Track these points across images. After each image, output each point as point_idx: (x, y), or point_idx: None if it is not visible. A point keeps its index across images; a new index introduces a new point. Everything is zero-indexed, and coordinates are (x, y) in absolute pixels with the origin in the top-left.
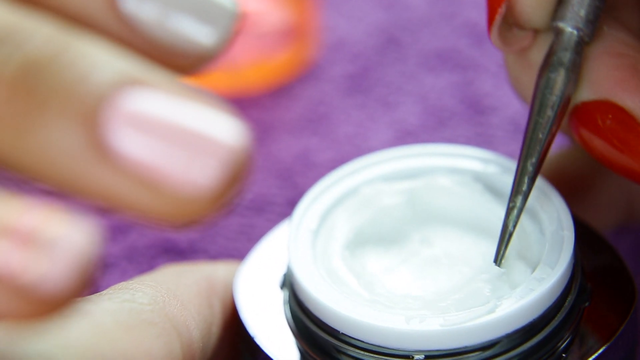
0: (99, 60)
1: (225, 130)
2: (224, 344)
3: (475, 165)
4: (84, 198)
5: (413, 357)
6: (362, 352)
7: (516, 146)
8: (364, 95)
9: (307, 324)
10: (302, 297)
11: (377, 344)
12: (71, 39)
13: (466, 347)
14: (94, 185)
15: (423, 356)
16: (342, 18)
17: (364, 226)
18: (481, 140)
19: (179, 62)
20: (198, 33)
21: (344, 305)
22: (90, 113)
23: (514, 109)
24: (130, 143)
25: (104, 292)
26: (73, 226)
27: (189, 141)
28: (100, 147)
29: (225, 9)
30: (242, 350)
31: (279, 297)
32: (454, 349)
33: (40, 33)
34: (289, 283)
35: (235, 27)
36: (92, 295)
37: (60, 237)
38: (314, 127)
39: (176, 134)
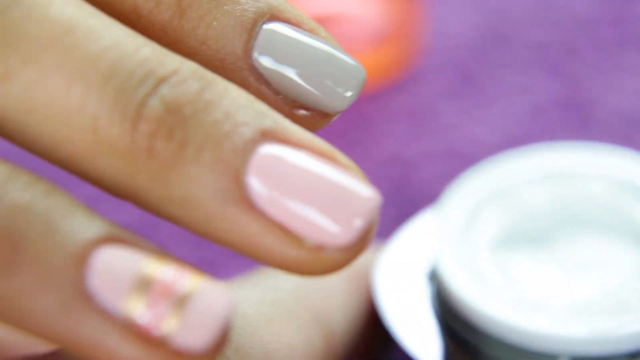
0: (239, 103)
1: (360, 183)
2: (365, 335)
3: (627, 169)
4: (219, 242)
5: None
6: (506, 352)
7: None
8: (468, 95)
9: (450, 320)
10: (447, 293)
11: (522, 344)
12: (212, 77)
13: (613, 354)
14: (232, 231)
15: (569, 359)
16: (444, 15)
17: (512, 226)
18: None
19: (306, 119)
20: (330, 94)
21: (490, 304)
22: (235, 162)
23: (624, 108)
24: (272, 194)
25: (250, 277)
26: (210, 283)
27: (332, 194)
28: (242, 196)
29: (355, 73)
30: (378, 343)
31: (421, 290)
32: (601, 356)
33: (182, 70)
34: (434, 277)
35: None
36: (238, 280)
37: (200, 294)
38: (417, 128)
39: (319, 186)
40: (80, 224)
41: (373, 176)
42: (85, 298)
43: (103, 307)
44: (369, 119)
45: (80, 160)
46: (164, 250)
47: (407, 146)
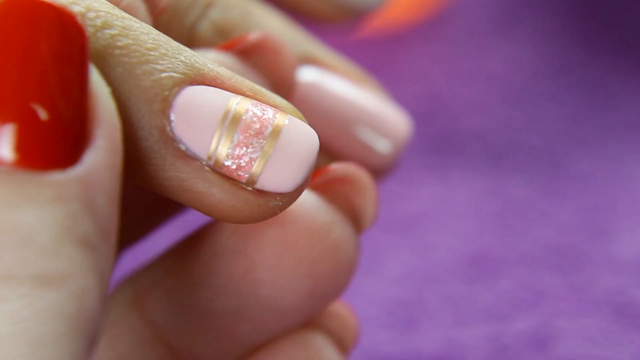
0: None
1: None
2: None
3: None
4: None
5: None
6: None
7: None
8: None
9: None
10: None
11: None
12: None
13: None
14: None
15: None
16: None
17: None
18: None
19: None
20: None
21: None
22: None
23: None
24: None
25: None
26: (297, 122)
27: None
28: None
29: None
30: None
31: None
32: None
33: None
34: None
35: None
36: None
37: (287, 132)
38: (454, 66)
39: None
40: (163, 64)
41: (406, 106)
42: (170, 143)
43: (189, 151)
44: (404, 54)
45: None
46: (252, 88)
47: (443, 83)
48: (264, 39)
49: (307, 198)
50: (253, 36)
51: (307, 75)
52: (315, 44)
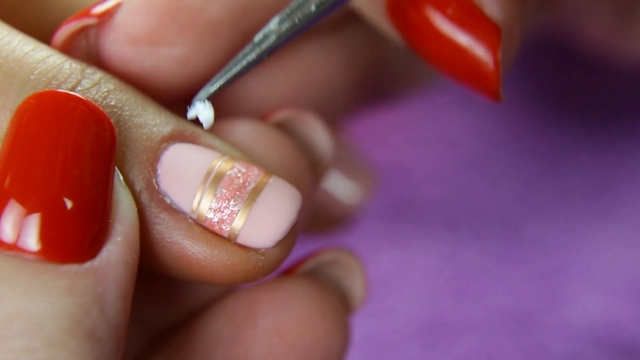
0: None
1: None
2: None
3: None
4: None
5: None
6: None
7: None
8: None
9: None
10: None
11: None
12: None
13: None
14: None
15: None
16: None
17: None
18: None
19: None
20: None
21: None
22: None
23: None
24: None
25: None
26: (279, 181)
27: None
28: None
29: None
30: None
31: None
32: None
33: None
34: None
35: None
36: None
37: (268, 190)
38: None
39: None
40: (152, 119)
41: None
42: (156, 195)
43: (173, 204)
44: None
45: None
46: (233, 148)
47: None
48: (298, 115)
49: (300, 285)
50: (287, 112)
51: (275, 120)
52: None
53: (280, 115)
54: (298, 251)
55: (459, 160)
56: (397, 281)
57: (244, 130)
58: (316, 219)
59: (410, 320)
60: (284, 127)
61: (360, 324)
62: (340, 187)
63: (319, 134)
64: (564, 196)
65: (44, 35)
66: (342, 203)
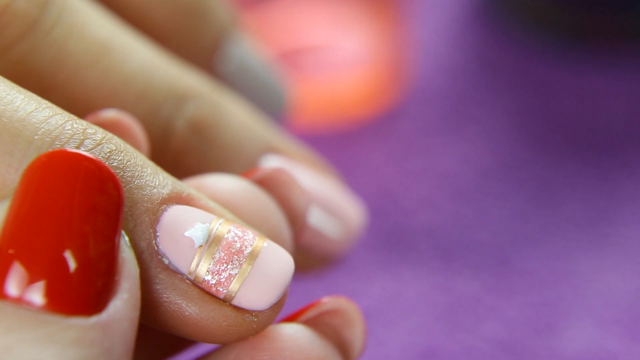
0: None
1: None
2: None
3: None
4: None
5: None
6: None
7: None
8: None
9: None
10: None
11: None
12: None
13: None
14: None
15: None
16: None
17: None
18: None
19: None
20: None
21: None
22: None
23: None
24: None
25: None
26: (273, 246)
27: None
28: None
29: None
30: None
31: None
32: None
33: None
34: None
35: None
36: None
37: (264, 255)
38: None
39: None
40: (151, 181)
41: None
42: (155, 255)
43: (171, 265)
44: (354, 150)
45: None
46: (225, 209)
47: (391, 175)
48: (276, 173)
49: (301, 333)
50: (266, 169)
51: (269, 163)
52: (277, 134)
53: (260, 173)
54: (291, 292)
55: (452, 191)
56: (390, 311)
57: (228, 188)
58: (305, 259)
59: (404, 350)
60: (263, 185)
61: None
62: (329, 226)
63: (296, 193)
64: (556, 227)
65: (37, 74)
66: (331, 242)
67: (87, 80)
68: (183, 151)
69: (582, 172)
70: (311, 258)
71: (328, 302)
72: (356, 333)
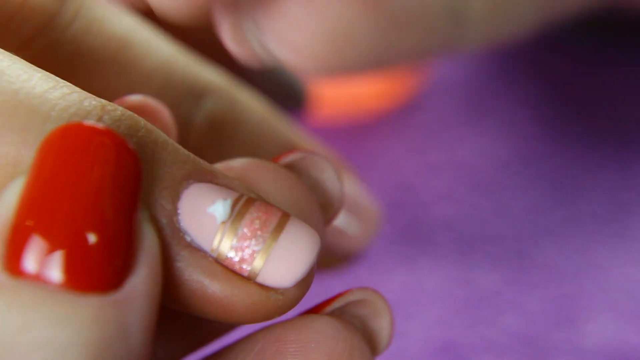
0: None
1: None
2: None
3: None
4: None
5: None
6: None
7: None
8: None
9: None
10: None
11: None
12: None
13: None
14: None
15: None
16: None
17: None
18: None
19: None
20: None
21: None
22: None
23: None
24: None
25: None
26: (298, 222)
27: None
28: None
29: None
30: None
31: None
32: None
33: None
34: None
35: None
36: None
37: (288, 231)
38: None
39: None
40: (172, 157)
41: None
42: (177, 233)
43: (194, 242)
44: (369, 147)
45: None
46: (249, 188)
47: (410, 170)
48: (309, 157)
49: (328, 325)
50: (299, 153)
51: (286, 161)
52: (295, 132)
53: (291, 156)
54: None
55: (471, 184)
56: (409, 305)
57: (256, 170)
58: (323, 257)
59: (423, 344)
60: (294, 169)
61: None
62: (347, 224)
63: (329, 177)
64: (576, 220)
65: (56, 69)
66: (349, 239)
67: (106, 75)
68: (201, 147)
69: (602, 165)
70: (330, 256)
71: (355, 292)
72: (384, 323)
